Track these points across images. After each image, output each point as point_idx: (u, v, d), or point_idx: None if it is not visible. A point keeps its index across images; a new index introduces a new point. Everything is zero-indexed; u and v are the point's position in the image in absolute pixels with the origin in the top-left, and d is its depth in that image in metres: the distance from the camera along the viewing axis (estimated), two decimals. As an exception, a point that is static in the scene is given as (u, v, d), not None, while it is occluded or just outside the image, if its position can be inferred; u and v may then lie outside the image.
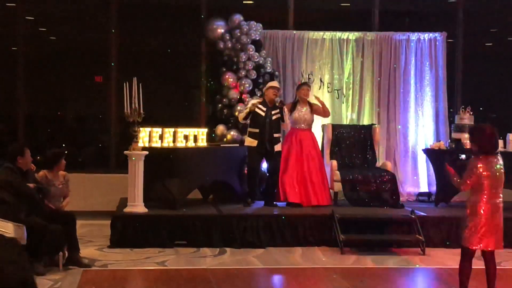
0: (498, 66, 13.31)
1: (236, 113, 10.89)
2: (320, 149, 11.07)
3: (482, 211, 6.57)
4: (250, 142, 10.49)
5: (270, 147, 10.42)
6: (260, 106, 10.43)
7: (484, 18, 13.24)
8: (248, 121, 10.50)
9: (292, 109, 10.73)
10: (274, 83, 10.70)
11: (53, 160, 8.52)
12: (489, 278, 6.76)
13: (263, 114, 10.39)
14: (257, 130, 10.40)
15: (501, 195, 6.68)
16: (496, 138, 6.66)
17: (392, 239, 9.61)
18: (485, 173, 6.55)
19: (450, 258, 9.02)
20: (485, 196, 6.58)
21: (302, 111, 10.73)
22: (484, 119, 11.62)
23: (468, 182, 6.62)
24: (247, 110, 10.43)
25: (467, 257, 6.74)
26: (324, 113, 11.00)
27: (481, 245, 6.60)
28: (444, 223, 9.81)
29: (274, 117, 10.40)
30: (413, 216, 9.59)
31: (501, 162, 6.64)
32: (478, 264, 7.01)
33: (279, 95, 10.80)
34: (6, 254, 2.34)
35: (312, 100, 10.97)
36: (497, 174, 6.58)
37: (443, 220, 9.86)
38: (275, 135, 10.45)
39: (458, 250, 9.27)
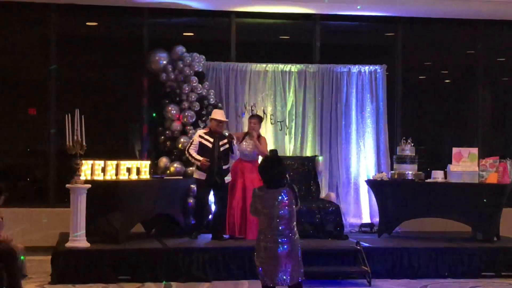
0: (432, 99, 13.56)
1: (187, 148, 10.44)
2: (264, 181, 11.01)
3: (260, 245, 6.35)
4: (199, 175, 10.36)
5: (220, 179, 10.33)
6: (206, 136, 10.34)
7: (420, 51, 13.49)
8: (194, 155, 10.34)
9: (242, 139, 10.68)
10: (217, 115, 10.47)
11: None
12: None
13: (210, 145, 10.30)
14: None
15: (288, 230, 6.29)
16: (276, 172, 6.37)
17: (337, 271, 9.58)
18: (260, 205, 6.37)
19: (396, 289, 9.09)
20: (263, 230, 6.35)
21: (246, 143, 10.66)
22: (421, 152, 11.80)
23: (251, 211, 6.53)
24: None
25: None
26: (260, 153, 10.74)
27: (269, 280, 6.30)
28: (389, 253, 9.87)
29: (222, 149, 10.32)
30: (358, 247, 9.61)
31: (284, 196, 6.31)
32: None
33: (224, 128, 10.69)
34: None
35: (263, 133, 11.03)
36: (277, 208, 6.29)
37: (388, 251, 9.92)
38: (224, 166, 10.37)
39: (404, 281, 9.50)
